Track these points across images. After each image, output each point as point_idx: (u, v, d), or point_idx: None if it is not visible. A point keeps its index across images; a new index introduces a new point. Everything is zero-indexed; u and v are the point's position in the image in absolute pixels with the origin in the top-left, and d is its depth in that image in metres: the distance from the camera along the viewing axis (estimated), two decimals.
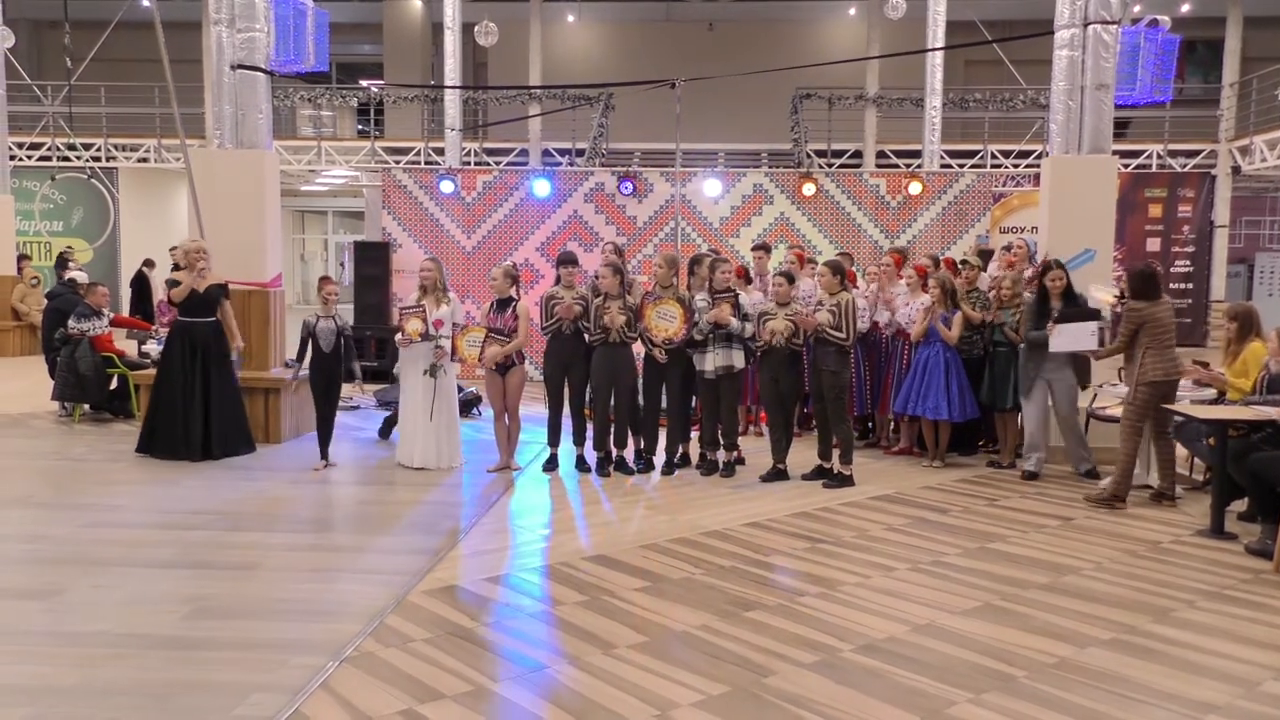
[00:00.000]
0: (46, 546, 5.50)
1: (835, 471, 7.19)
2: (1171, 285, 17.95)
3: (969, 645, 4.26)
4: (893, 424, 8.56)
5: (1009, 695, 3.79)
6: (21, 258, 15.99)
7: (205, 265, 7.74)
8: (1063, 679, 3.94)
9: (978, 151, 19.10)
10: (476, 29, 19.12)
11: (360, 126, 24.25)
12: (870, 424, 8.75)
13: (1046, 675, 3.98)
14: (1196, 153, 18.67)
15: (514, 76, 22.24)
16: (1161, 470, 6.84)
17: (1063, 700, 3.76)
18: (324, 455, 7.53)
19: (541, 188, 12.53)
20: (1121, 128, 18.22)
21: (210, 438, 7.69)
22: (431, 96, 19.84)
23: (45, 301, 11.54)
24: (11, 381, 11.96)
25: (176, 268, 7.99)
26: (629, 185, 12.47)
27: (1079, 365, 7.43)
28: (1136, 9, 18.14)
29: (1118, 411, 7.64)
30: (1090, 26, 8.01)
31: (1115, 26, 8.01)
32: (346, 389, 7.81)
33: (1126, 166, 17.60)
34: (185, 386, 7.62)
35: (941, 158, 17.94)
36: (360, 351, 11.90)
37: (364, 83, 22.37)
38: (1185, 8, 20.52)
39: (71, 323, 9.35)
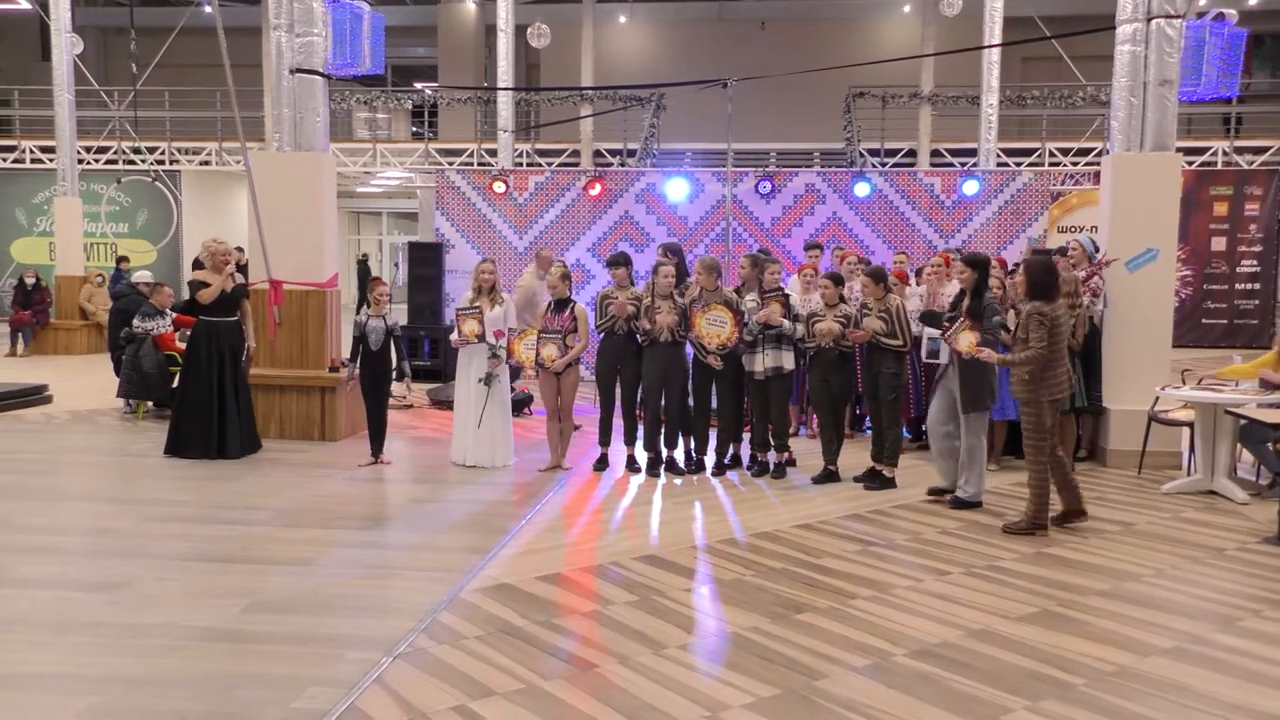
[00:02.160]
0: (112, 540, 5.65)
1: (880, 474, 7.11)
2: (1238, 285, 17.50)
3: (1025, 651, 4.19)
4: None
5: (1067, 703, 3.72)
6: (120, 259, 16.43)
7: (232, 266, 7.90)
8: (1123, 687, 3.86)
9: (1035, 149, 18.78)
10: (529, 31, 19.26)
11: (414, 129, 24.55)
12: (923, 426, 8.64)
13: (1106, 683, 3.90)
14: (1265, 149, 18.17)
15: (566, 78, 22.36)
16: (1071, 483, 6.13)
17: (1123, 709, 3.68)
18: (377, 452, 7.63)
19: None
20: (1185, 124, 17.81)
21: (234, 436, 7.78)
22: (484, 98, 20.01)
23: (111, 301, 11.87)
24: (78, 379, 12.31)
25: (198, 266, 8.09)
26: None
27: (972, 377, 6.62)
28: (1202, 2, 17.69)
29: (1180, 415, 7.49)
30: (1154, 21, 7.83)
31: (1180, 20, 7.82)
32: (398, 387, 7.91)
33: (1191, 164, 17.18)
34: (213, 386, 7.73)
35: (998, 156, 17.65)
36: (413, 351, 12.15)
37: (418, 85, 22.64)
38: (1253, 1, 19.96)
39: (136, 322, 9.61)
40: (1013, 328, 6.20)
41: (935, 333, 6.68)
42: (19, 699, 3.67)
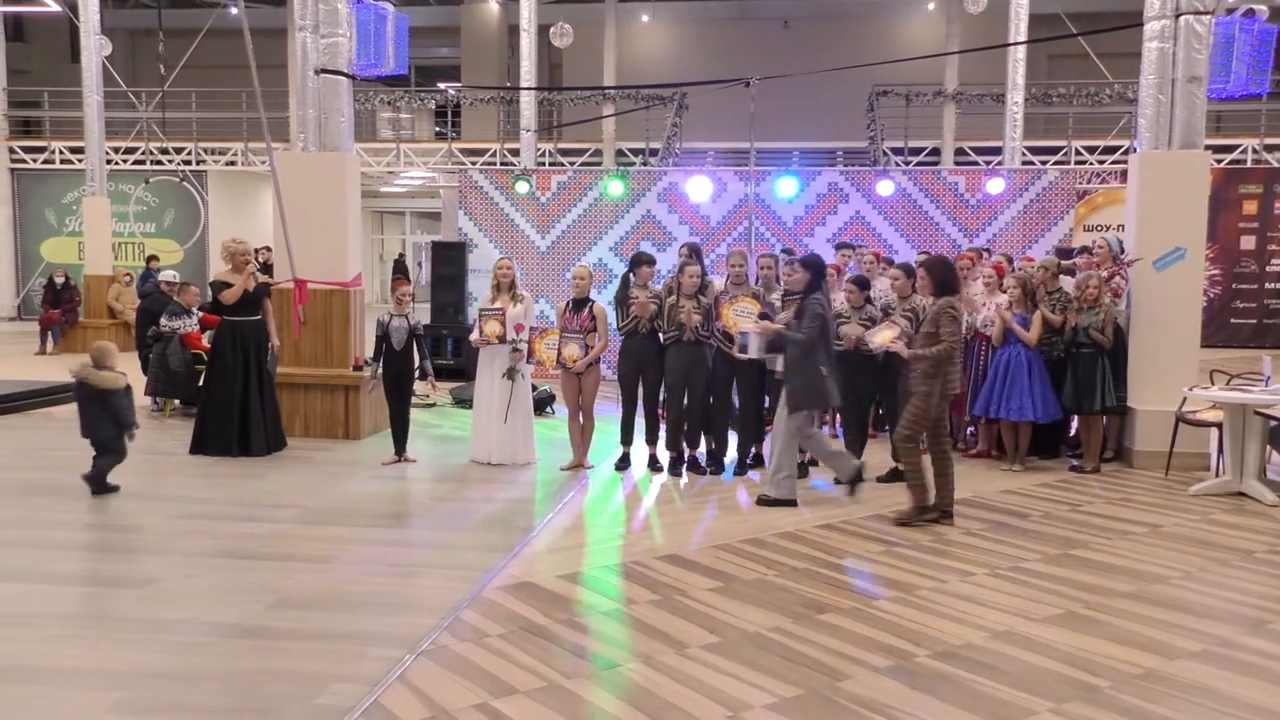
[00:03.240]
0: (140, 537, 5.72)
1: (894, 469, 7.06)
2: (1267, 285, 17.28)
3: (1050, 653, 4.16)
4: (970, 426, 8.39)
5: (1092, 706, 3.69)
6: (150, 258, 16.61)
7: (253, 265, 7.95)
8: (1149, 690, 3.83)
9: (1061, 148, 18.62)
10: (552, 31, 19.31)
11: (438, 128, 24.67)
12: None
13: (1132, 686, 3.86)
14: None
15: (588, 77, 22.40)
16: (948, 484, 6.19)
17: (1150, 712, 3.64)
18: (399, 451, 7.68)
19: (615, 188, 12.56)
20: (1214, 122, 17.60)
21: (258, 434, 7.83)
22: (507, 98, 20.09)
23: (138, 300, 12.00)
24: None
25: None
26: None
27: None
28: None
29: (1208, 416, 7.40)
30: (1182, 17, 7.75)
31: (1209, 17, 7.73)
32: (421, 387, 7.95)
33: (1219, 162, 16.98)
34: (238, 384, 7.79)
35: (1023, 154, 17.53)
36: (436, 350, 12.20)
37: (441, 85, 22.74)
38: None
39: (163, 321, 9.71)
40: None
41: (752, 327, 6.72)
42: (51, 693, 3.72)
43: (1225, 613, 4.70)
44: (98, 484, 6.57)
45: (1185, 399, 7.39)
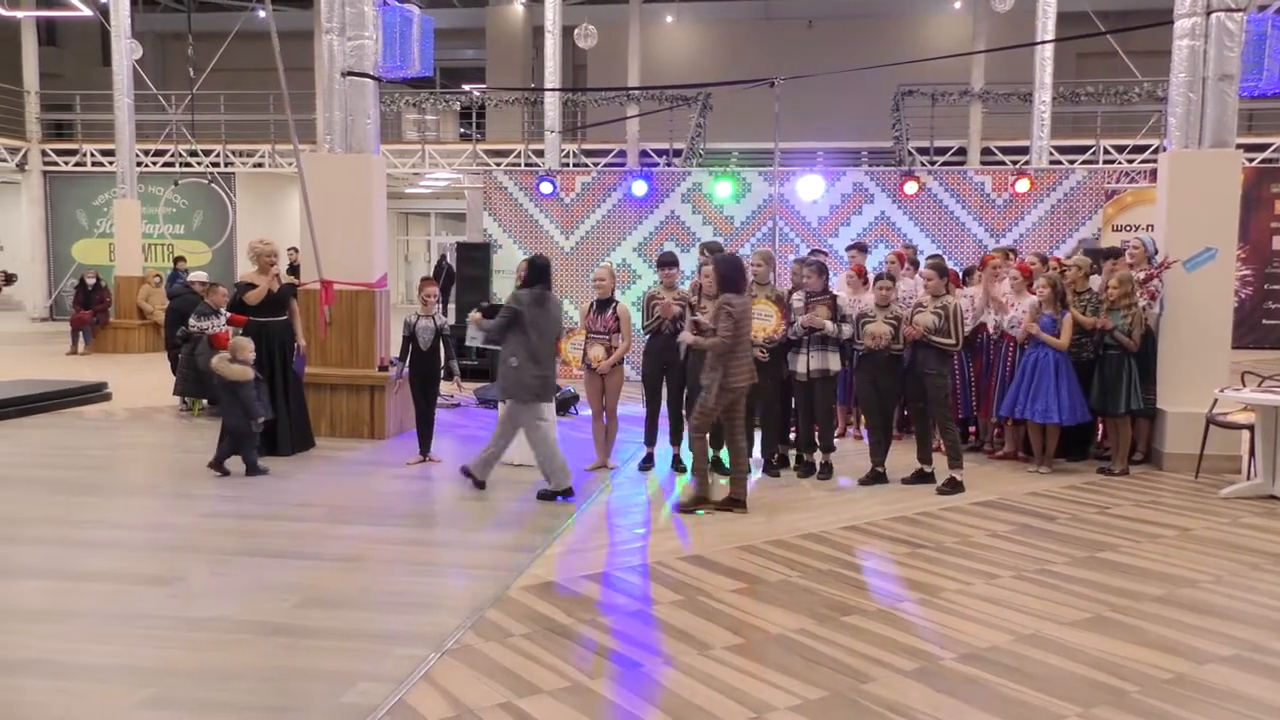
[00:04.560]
0: (168, 535, 5.78)
1: (949, 478, 7.02)
2: None
3: (1076, 657, 4.13)
4: (996, 428, 8.33)
5: (1120, 710, 3.65)
6: (177, 259, 16.79)
7: (278, 266, 8.01)
8: (1178, 695, 3.78)
9: (1089, 147, 18.45)
10: (576, 32, 19.35)
11: (462, 130, 24.77)
12: (972, 427, 8.54)
13: (1161, 691, 3.82)
14: None
15: (613, 78, 22.41)
16: (740, 478, 6.44)
17: (1179, 717, 3.61)
18: (425, 450, 7.72)
19: (639, 188, 12.57)
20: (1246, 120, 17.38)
21: (284, 434, 7.88)
22: (531, 99, 20.14)
23: (168, 301, 12.13)
24: (136, 377, 12.60)
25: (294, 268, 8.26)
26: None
27: None
28: None
29: (1239, 418, 7.31)
30: (1214, 15, 7.65)
31: (1240, 14, 7.64)
32: (447, 386, 8.00)
33: (1251, 161, 16.76)
34: (267, 385, 7.86)
35: (1051, 154, 17.37)
36: (460, 351, 12.24)
37: (466, 87, 22.84)
38: None
39: (192, 321, 9.79)
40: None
41: (473, 317, 7.25)
42: (82, 689, 3.77)
43: (1256, 617, 4.64)
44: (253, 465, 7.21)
45: (1216, 401, 7.30)
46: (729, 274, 6.26)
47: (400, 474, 7.38)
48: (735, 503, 6.37)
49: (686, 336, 6.64)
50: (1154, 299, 7.82)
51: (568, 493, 6.62)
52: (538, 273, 6.69)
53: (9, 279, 10.74)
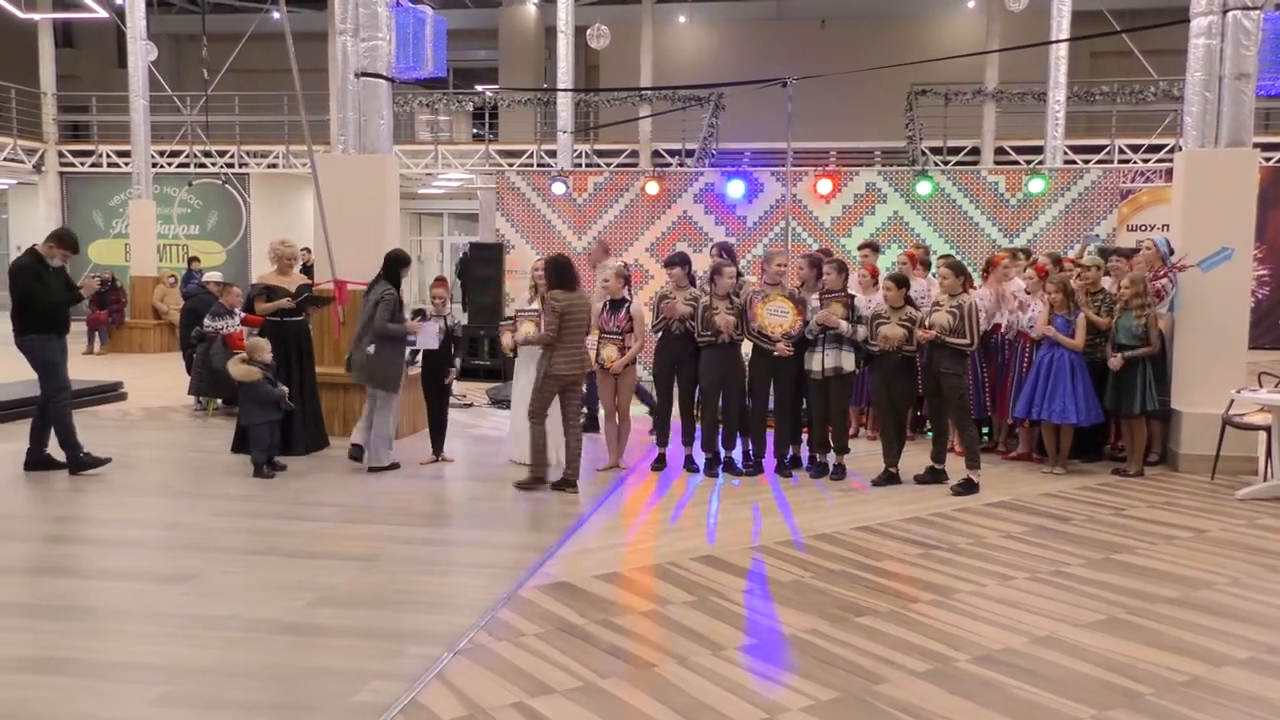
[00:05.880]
0: (183, 534, 5.81)
1: (965, 478, 6.99)
2: None
3: (1091, 659, 4.10)
4: (1012, 428, 8.28)
5: (1135, 712, 3.63)
6: (192, 260, 16.88)
7: (296, 267, 8.05)
8: (1194, 698, 3.76)
9: (1104, 146, 18.35)
10: (589, 32, 19.36)
11: (475, 130, 24.81)
12: (986, 428, 8.50)
13: (1176, 693, 3.79)
14: None
15: (625, 78, 22.42)
16: (570, 460, 6.86)
17: None
18: (438, 450, 7.73)
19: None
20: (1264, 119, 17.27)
21: (299, 433, 7.90)
22: (544, 100, 20.17)
23: (182, 301, 12.19)
24: (151, 376, 12.67)
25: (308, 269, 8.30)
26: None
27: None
28: None
29: (1256, 419, 7.26)
30: (1230, 13, 7.60)
31: (1257, 12, 7.58)
32: (458, 387, 8.01)
33: (1268, 160, 16.63)
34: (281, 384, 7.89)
35: (1065, 153, 17.28)
36: (473, 351, 12.28)
37: (479, 87, 22.89)
38: None
39: (207, 321, 9.86)
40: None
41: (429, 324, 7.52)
42: (98, 686, 3.79)
43: (1273, 619, 4.60)
44: (259, 466, 7.21)
45: (1232, 401, 7.25)
46: (554, 272, 6.85)
47: (413, 474, 7.40)
48: (567, 484, 6.80)
49: (506, 339, 7.45)
50: (1161, 298, 7.76)
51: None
52: (391, 265, 7.39)
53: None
